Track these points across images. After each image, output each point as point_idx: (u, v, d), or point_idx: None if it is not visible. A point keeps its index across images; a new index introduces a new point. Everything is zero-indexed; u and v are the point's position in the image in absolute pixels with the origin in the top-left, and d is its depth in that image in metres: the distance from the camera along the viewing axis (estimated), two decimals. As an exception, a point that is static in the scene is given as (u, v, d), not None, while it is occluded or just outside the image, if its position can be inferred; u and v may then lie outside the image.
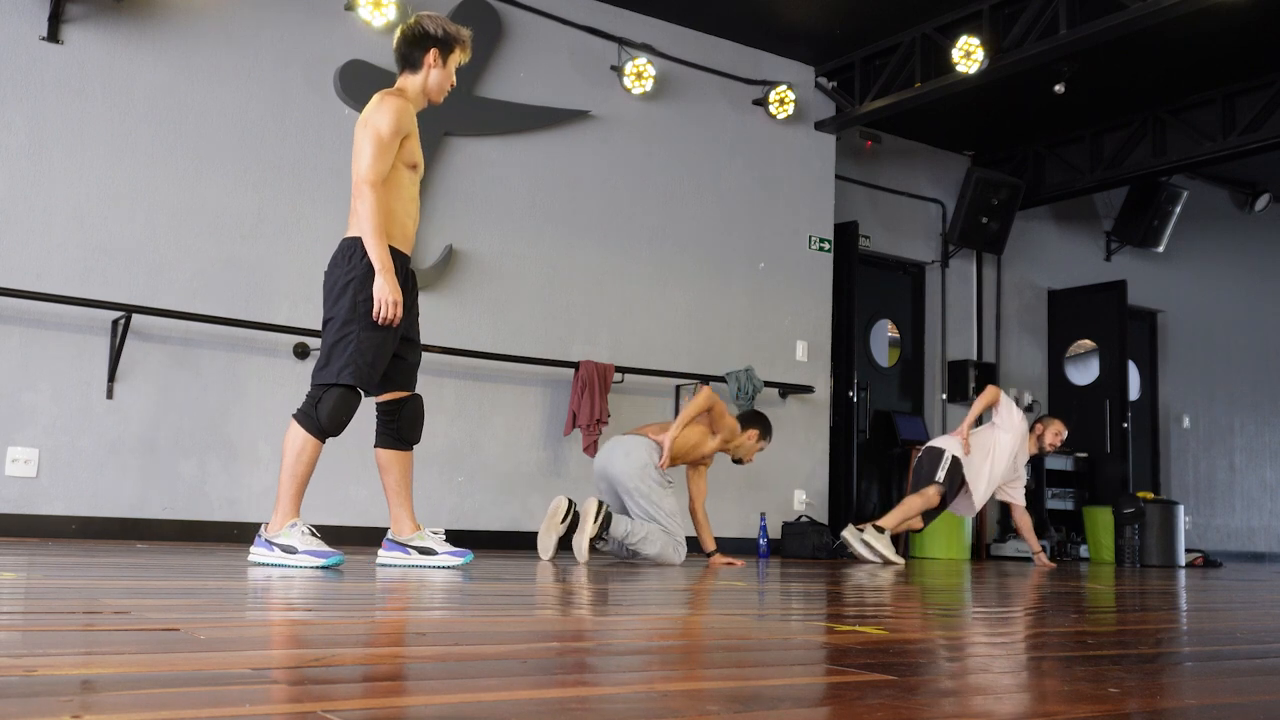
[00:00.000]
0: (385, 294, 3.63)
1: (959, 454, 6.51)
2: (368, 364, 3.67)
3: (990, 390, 6.69)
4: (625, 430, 5.51)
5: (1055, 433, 6.90)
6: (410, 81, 3.90)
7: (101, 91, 5.34)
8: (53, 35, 5.23)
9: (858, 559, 6.33)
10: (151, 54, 5.48)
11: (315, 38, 5.90)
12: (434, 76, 3.90)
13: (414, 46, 3.88)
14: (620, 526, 4.97)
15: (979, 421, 6.71)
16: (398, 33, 3.92)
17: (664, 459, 5.14)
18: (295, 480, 3.66)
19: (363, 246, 3.68)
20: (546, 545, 4.95)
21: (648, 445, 5.19)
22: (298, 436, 3.66)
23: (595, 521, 4.86)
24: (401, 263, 3.79)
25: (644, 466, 5.11)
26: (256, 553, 3.66)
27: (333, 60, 5.91)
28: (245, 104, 5.69)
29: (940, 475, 6.45)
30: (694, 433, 5.31)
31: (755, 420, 5.61)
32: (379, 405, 3.93)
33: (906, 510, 6.44)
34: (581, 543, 4.85)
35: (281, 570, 3.46)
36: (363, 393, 3.74)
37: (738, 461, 5.66)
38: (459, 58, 3.95)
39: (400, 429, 3.93)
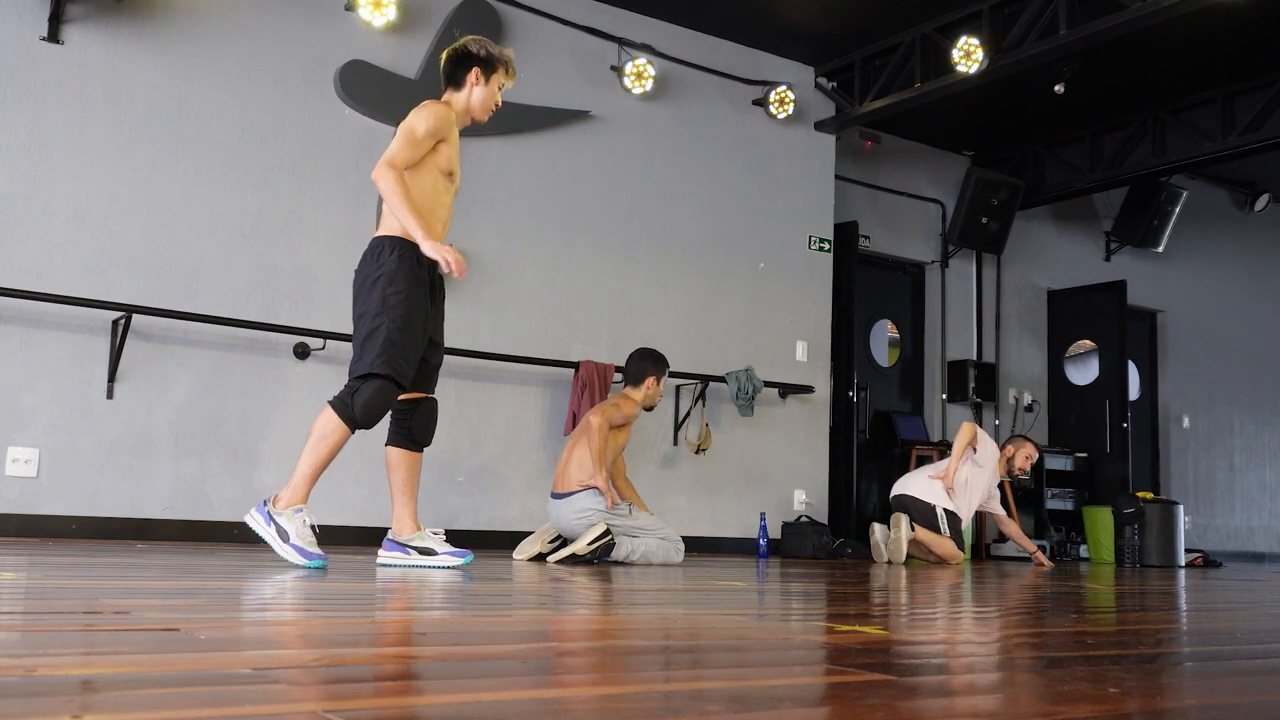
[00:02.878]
0: (439, 253, 3.63)
1: (949, 505, 6.60)
2: (400, 355, 3.70)
3: (967, 428, 6.71)
4: (556, 484, 5.36)
5: (1026, 456, 6.88)
6: (455, 98, 4.01)
7: (101, 91, 5.34)
8: (53, 35, 5.23)
9: (882, 544, 6.43)
10: (151, 54, 5.48)
11: (315, 38, 5.90)
12: (477, 94, 4.00)
13: (457, 65, 4.00)
14: (621, 550, 5.06)
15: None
16: (444, 53, 4.04)
17: (608, 500, 5.15)
18: (315, 463, 3.68)
19: (390, 244, 3.73)
20: (526, 551, 5.09)
21: (587, 495, 5.17)
22: (329, 420, 3.67)
23: (588, 544, 4.91)
24: (430, 263, 3.81)
25: (602, 517, 5.12)
26: (254, 517, 3.68)
27: (333, 60, 5.91)
28: (245, 104, 5.69)
29: (946, 532, 6.55)
30: (610, 441, 5.32)
31: (643, 368, 5.51)
32: (394, 406, 3.94)
33: (939, 548, 6.50)
34: (566, 554, 4.93)
35: (278, 571, 3.46)
36: (399, 385, 3.73)
37: (650, 409, 5.62)
38: (502, 78, 4.04)
39: (413, 429, 3.94)
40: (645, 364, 5.53)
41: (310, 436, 3.70)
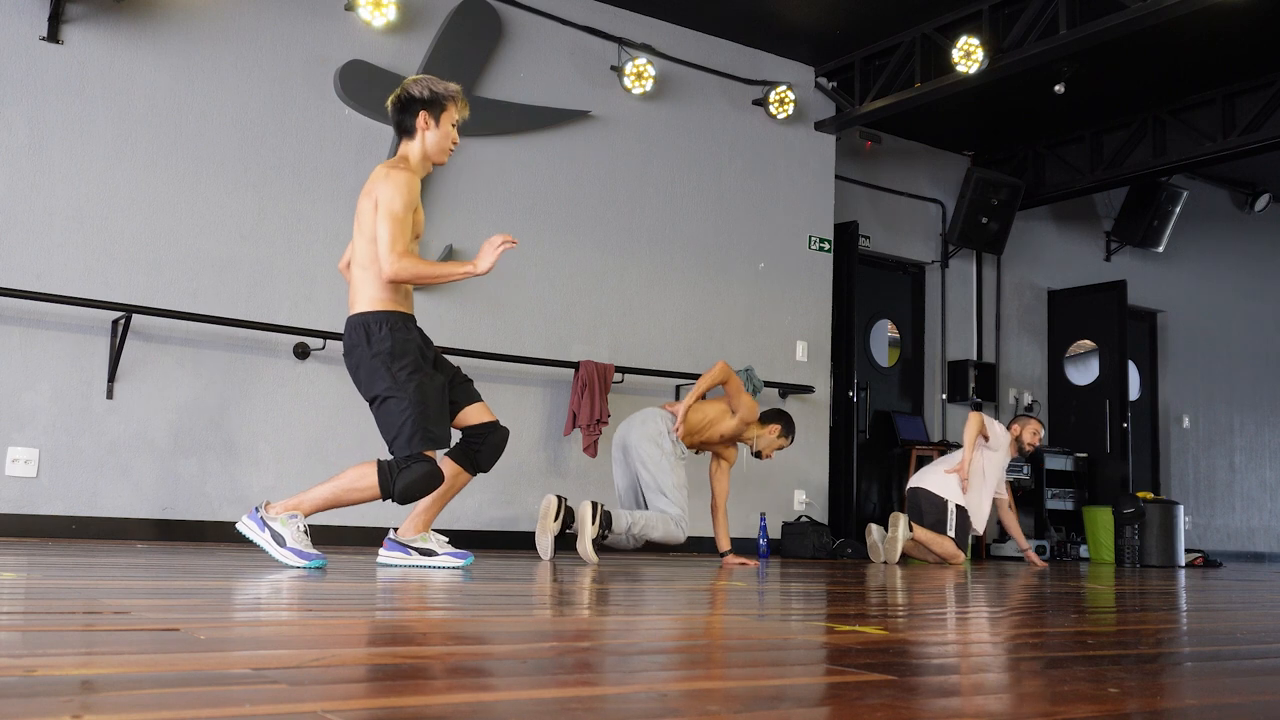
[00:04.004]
0: (486, 261, 3.62)
1: (961, 501, 6.60)
2: (432, 424, 3.69)
3: (974, 418, 6.75)
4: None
5: (1033, 432, 6.97)
6: (410, 149, 3.85)
7: (101, 91, 5.34)
8: (53, 35, 5.23)
9: (880, 544, 6.42)
10: (151, 54, 5.48)
11: (315, 38, 5.90)
12: (430, 139, 3.83)
13: (404, 113, 3.83)
14: (621, 522, 5.01)
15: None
16: (388, 102, 3.89)
17: (679, 424, 5.23)
18: (332, 500, 3.69)
19: (375, 320, 3.68)
20: (544, 546, 4.97)
21: (664, 415, 5.32)
22: (366, 477, 3.64)
23: (594, 523, 4.88)
24: (411, 321, 3.81)
25: (659, 434, 5.22)
26: (247, 524, 3.67)
27: (333, 60, 5.91)
28: (245, 104, 5.69)
29: (951, 531, 6.55)
30: (712, 409, 5.41)
31: (779, 416, 5.70)
32: (466, 430, 3.98)
33: (938, 547, 6.49)
34: (585, 547, 4.87)
35: (278, 571, 3.46)
36: (440, 460, 3.77)
37: (757, 455, 5.73)
38: (454, 114, 3.87)
39: (480, 456, 3.99)
40: (783, 418, 5.69)
41: (341, 477, 3.68)
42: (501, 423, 4.09)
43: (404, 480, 3.62)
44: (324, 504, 3.69)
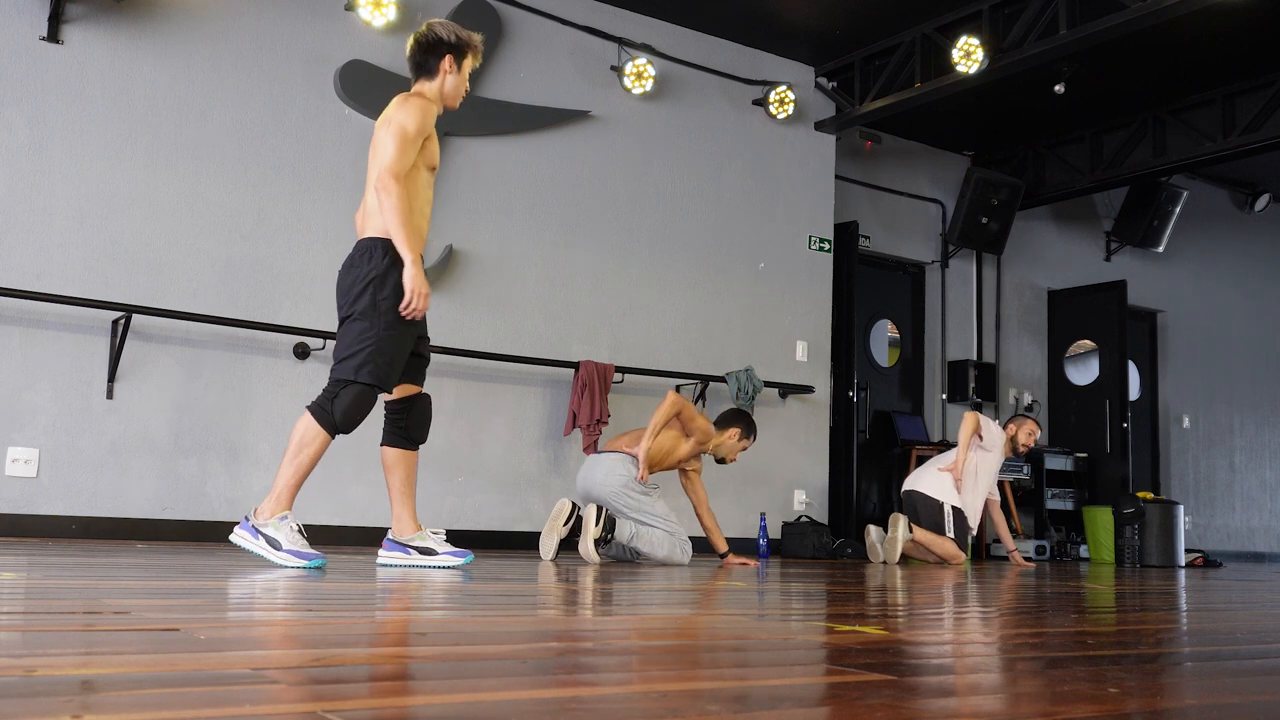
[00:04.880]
0: (416, 284, 3.65)
1: (956, 502, 6.62)
2: (386, 363, 3.69)
3: (970, 417, 6.76)
4: (604, 444, 5.53)
5: (1029, 432, 6.97)
6: (427, 87, 3.92)
7: (101, 91, 5.34)
8: (53, 35, 5.23)
9: (879, 545, 6.44)
10: (151, 54, 5.48)
11: (315, 38, 5.90)
12: (450, 82, 3.93)
13: (429, 53, 3.91)
14: (625, 530, 5.01)
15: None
16: (411, 41, 3.94)
17: (641, 472, 5.17)
18: (297, 471, 3.66)
19: (382, 246, 3.69)
20: (548, 546, 4.99)
21: (624, 460, 5.22)
22: (309, 428, 3.65)
23: (598, 525, 4.90)
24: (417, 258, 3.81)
25: (625, 484, 5.17)
26: (240, 535, 3.64)
27: (333, 60, 5.92)
28: (245, 104, 5.69)
29: (950, 532, 6.56)
30: (666, 439, 5.32)
31: (735, 419, 5.60)
32: (388, 404, 3.93)
33: (939, 548, 6.51)
34: (587, 546, 4.89)
35: (278, 571, 3.46)
36: (379, 392, 3.74)
37: (721, 461, 5.65)
38: (472, 62, 3.99)
39: (409, 428, 3.93)
40: (740, 419, 5.59)
41: (290, 444, 3.67)
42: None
43: (340, 404, 3.63)
44: (295, 480, 3.66)
